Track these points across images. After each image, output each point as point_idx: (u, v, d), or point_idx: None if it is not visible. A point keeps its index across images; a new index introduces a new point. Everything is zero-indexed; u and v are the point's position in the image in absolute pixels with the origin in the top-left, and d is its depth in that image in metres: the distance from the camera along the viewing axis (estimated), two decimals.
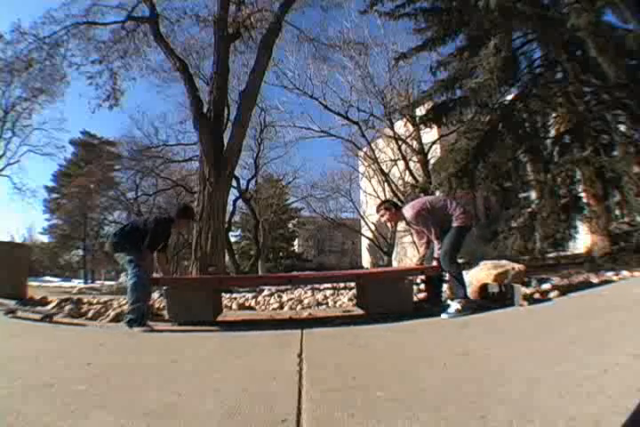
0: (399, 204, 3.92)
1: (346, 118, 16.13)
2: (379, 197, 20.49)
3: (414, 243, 3.80)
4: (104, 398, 1.42)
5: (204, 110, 7.96)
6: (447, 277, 3.47)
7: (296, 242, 31.55)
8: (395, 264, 20.13)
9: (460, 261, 3.62)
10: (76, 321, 3.43)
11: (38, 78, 11.00)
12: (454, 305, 3.05)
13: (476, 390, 1.36)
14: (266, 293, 5.13)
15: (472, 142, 7.48)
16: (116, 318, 3.45)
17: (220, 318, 3.41)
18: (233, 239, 24.36)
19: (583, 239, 7.67)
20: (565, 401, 1.20)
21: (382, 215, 3.62)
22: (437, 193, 8.79)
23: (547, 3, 7.27)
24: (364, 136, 16.48)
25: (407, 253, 20.78)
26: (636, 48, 6.14)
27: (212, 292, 3.41)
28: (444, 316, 2.99)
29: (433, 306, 3.39)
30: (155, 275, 3.45)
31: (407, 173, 15.99)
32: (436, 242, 3.31)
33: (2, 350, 2.37)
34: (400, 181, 17.01)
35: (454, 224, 3.33)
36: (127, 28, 9.67)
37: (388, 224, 3.97)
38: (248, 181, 19.14)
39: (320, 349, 2.17)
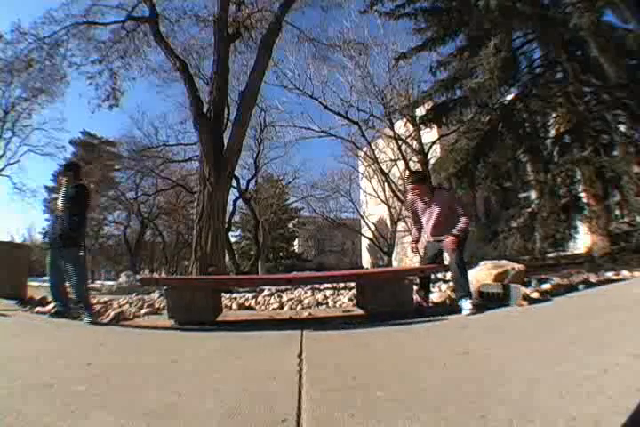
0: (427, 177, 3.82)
1: (346, 118, 16.13)
2: (378, 196, 20.53)
3: (415, 225, 3.70)
4: (104, 398, 1.42)
5: (204, 110, 7.95)
6: (452, 276, 3.43)
7: (296, 242, 31.54)
8: (395, 264, 20.14)
9: None
10: (76, 321, 3.43)
11: (38, 78, 11.01)
12: (468, 303, 3.05)
13: (475, 390, 1.36)
14: (266, 293, 5.12)
15: (472, 142, 7.49)
16: (116, 318, 3.45)
17: (220, 318, 3.41)
18: (233, 239, 24.36)
19: (583, 239, 7.67)
20: (565, 401, 1.20)
21: (414, 189, 3.51)
22: None
23: (547, 3, 7.28)
24: (363, 136, 16.49)
25: (407, 253, 20.81)
26: (636, 48, 6.15)
27: (212, 292, 3.41)
28: (464, 313, 2.99)
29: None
30: (154, 275, 3.46)
31: (407, 173, 15.98)
32: (464, 219, 3.33)
33: (2, 350, 2.37)
34: (400, 181, 17.01)
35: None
36: (127, 28, 9.67)
37: (416, 199, 3.61)
38: (248, 181, 19.14)
39: (320, 349, 2.17)
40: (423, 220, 3.62)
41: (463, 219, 3.34)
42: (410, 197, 3.69)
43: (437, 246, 3.52)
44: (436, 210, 3.47)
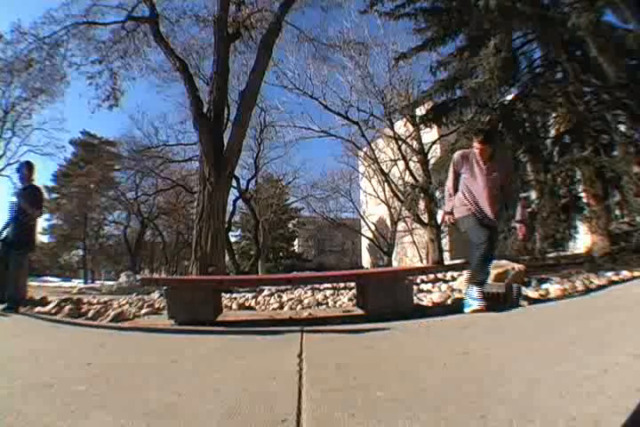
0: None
1: (346, 118, 16.12)
2: (378, 196, 20.53)
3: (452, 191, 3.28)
4: (104, 398, 1.42)
5: (204, 110, 7.96)
6: (480, 264, 3.11)
7: (296, 242, 31.54)
8: (395, 264, 20.15)
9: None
10: (75, 321, 3.43)
11: (38, 78, 11.04)
12: (475, 302, 3.04)
13: (475, 390, 1.36)
14: (266, 293, 5.13)
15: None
16: (116, 318, 3.45)
17: (220, 318, 3.41)
18: (233, 239, 24.38)
19: (583, 239, 7.67)
20: (565, 401, 1.20)
21: (482, 151, 3.09)
22: (437, 193, 8.78)
23: (547, 3, 7.27)
24: (363, 136, 16.48)
25: (407, 253, 20.84)
26: (636, 48, 6.14)
27: (212, 292, 3.41)
28: (471, 309, 2.96)
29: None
30: (154, 275, 3.47)
31: (407, 173, 15.99)
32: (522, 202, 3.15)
33: (2, 350, 2.37)
34: (400, 181, 17.01)
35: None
36: (127, 28, 9.69)
37: (472, 160, 3.18)
38: (248, 181, 19.18)
39: (320, 349, 2.17)
40: (473, 187, 3.17)
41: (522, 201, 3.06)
42: (459, 157, 3.23)
43: (485, 224, 3.13)
44: (495, 178, 3.10)
